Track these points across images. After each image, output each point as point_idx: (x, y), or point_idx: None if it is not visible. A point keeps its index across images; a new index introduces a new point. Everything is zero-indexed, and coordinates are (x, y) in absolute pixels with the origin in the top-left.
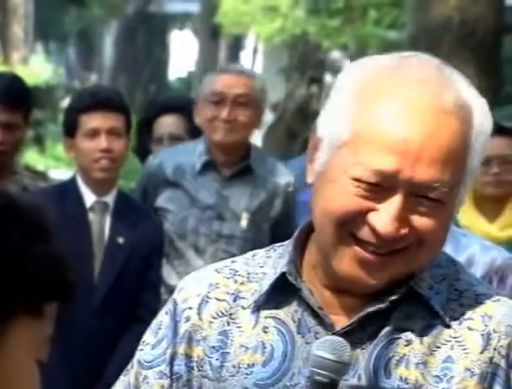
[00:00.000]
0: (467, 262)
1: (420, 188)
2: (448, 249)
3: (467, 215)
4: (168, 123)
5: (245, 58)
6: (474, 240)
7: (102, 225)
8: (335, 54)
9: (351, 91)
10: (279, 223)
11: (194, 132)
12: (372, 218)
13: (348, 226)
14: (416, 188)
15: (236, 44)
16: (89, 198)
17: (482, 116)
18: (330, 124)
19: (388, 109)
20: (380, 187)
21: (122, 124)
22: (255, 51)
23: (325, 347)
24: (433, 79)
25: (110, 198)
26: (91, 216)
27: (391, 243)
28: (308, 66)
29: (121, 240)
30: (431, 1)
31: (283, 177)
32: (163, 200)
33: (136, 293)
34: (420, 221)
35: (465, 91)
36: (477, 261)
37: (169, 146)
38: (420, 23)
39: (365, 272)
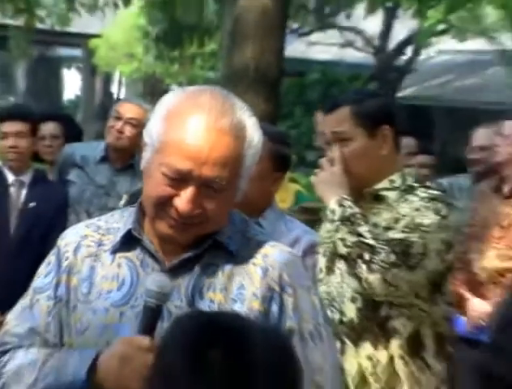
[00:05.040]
0: (294, 240)
1: (206, 181)
2: (282, 228)
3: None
4: (49, 127)
5: (114, 88)
6: (296, 225)
7: (18, 195)
8: (174, 86)
9: (162, 113)
10: None
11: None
12: (175, 201)
13: (162, 206)
14: (204, 182)
15: (108, 78)
16: (10, 177)
17: (253, 132)
18: (150, 135)
19: (185, 127)
20: (180, 180)
21: (26, 129)
22: (120, 83)
23: (152, 283)
24: (217, 107)
25: (26, 177)
26: (11, 190)
27: (189, 218)
28: (156, 94)
29: (32, 204)
30: (235, 52)
31: None
32: (72, 176)
33: (43, 245)
34: (208, 205)
35: (241, 113)
36: (300, 240)
37: (51, 141)
38: (228, 67)
39: (175, 233)
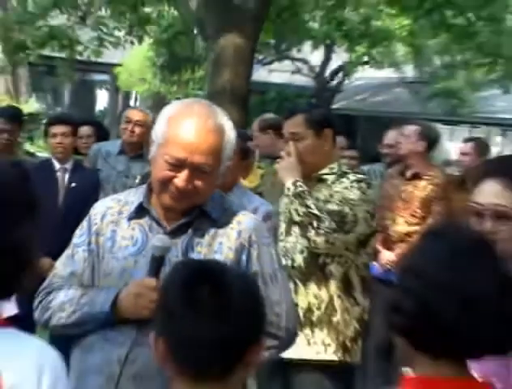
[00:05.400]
0: (254, 209)
1: (196, 167)
2: (245, 201)
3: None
4: (85, 129)
5: (132, 102)
6: (255, 198)
7: (63, 178)
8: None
9: (165, 117)
10: None
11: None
12: (175, 181)
13: (165, 184)
14: (195, 167)
15: (127, 96)
16: (56, 165)
17: (230, 132)
18: (156, 134)
19: (181, 127)
20: (178, 166)
21: (69, 130)
22: (136, 99)
23: (157, 240)
24: (204, 112)
25: (68, 165)
26: (58, 174)
27: (184, 193)
28: (161, 106)
29: (73, 184)
30: (216, 77)
31: None
32: (100, 165)
33: (81, 215)
34: (198, 183)
35: (221, 119)
36: (258, 210)
37: (86, 139)
38: (211, 88)
39: (175, 203)
